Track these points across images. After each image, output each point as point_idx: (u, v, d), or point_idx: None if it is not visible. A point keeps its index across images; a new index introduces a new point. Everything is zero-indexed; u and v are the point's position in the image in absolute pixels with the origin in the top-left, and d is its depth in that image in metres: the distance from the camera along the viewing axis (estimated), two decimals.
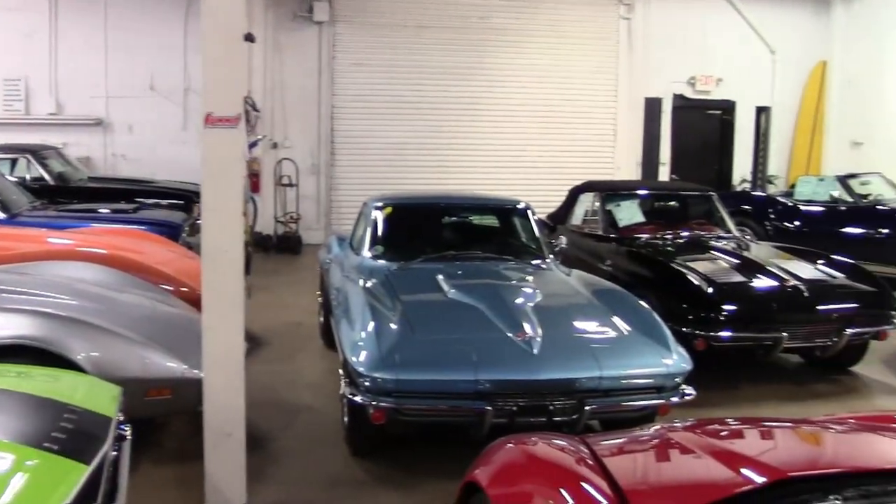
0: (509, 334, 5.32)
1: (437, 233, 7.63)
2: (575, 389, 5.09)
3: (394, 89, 15.43)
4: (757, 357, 7.39)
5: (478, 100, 15.79)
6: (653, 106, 14.28)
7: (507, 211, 7.86)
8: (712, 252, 8.30)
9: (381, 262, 6.85)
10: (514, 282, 6.53)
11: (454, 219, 7.73)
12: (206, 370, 4.61)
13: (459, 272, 6.56)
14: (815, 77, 17.48)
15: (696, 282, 7.21)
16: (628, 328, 5.62)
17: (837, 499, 2.51)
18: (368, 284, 6.16)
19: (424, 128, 15.56)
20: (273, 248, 14.38)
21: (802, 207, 12.30)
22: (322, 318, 8.26)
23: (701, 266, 7.68)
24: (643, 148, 14.63)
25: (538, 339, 5.25)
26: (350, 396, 5.07)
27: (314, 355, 8.15)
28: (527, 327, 5.38)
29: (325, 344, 8.22)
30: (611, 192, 9.58)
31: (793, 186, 13.37)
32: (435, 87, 15.59)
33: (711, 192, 9.73)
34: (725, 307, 6.95)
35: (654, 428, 3.51)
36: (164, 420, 6.00)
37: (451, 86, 15.63)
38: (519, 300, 5.92)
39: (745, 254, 8.28)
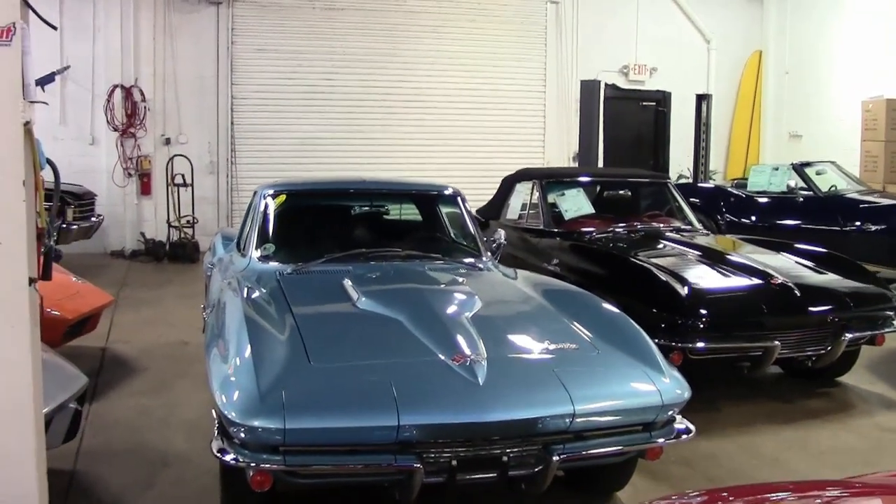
0: (442, 357, 3.89)
1: (344, 227, 6.16)
2: (538, 432, 3.69)
3: (302, 78, 13.98)
4: (740, 371, 6.03)
5: (395, 89, 14.46)
6: (591, 90, 12.94)
7: (432, 198, 6.46)
8: (676, 246, 7.02)
9: (272, 264, 5.37)
10: (444, 286, 5.14)
11: (366, 209, 6.20)
12: None
13: (373, 276, 5.14)
14: (751, 67, 16.88)
15: (667, 281, 5.90)
16: (599, 343, 4.24)
17: None
18: (253, 294, 4.67)
19: (337, 121, 14.15)
20: (166, 256, 12.71)
21: (759, 199, 11.14)
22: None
23: (668, 263, 6.43)
24: (580, 137, 13.33)
25: (482, 362, 3.82)
26: (219, 455, 3.57)
27: (197, 383, 6.58)
28: (466, 347, 3.95)
29: None
30: (552, 179, 8.21)
31: (739, 179, 12.28)
32: (348, 75, 14.21)
33: (667, 180, 8.49)
34: (704, 311, 5.64)
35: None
36: None
37: (365, 74, 14.29)
38: (453, 310, 4.50)
39: (714, 247, 7.03)
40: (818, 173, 11.01)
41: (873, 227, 9.74)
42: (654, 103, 16.01)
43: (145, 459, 4.99)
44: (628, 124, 15.73)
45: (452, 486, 3.64)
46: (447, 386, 3.70)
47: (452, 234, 6.16)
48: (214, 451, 3.61)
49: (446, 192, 6.23)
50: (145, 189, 13.25)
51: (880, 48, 13.92)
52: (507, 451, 3.68)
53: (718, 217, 11.15)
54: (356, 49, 14.20)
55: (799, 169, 10.90)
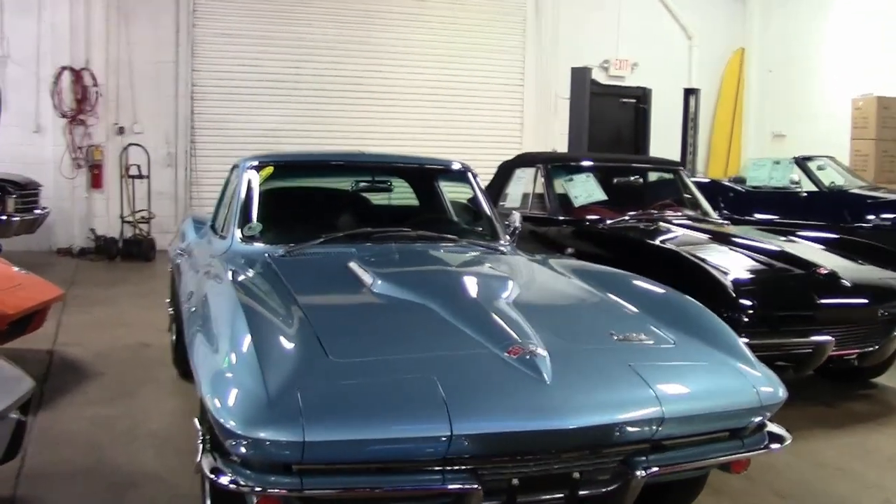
0: (493, 349, 3.06)
1: (341, 205, 5.27)
2: (617, 441, 2.88)
3: (267, 66, 13.11)
4: (783, 372, 5.26)
5: (366, 79, 13.66)
6: (581, 78, 12.17)
7: (441, 174, 5.62)
8: (700, 235, 6.30)
9: (259, 245, 4.48)
10: (473, 269, 4.30)
11: (366, 183, 5.26)
12: None
13: (385, 258, 4.28)
14: (733, 65, 16.43)
15: (707, 269, 5.17)
16: (671, 332, 3.44)
17: None
18: (242, 279, 3.81)
19: (303, 112, 13.29)
20: (119, 255, 11.66)
21: (759, 194, 10.48)
22: (174, 337, 5.88)
23: (700, 251, 5.68)
24: (570, 127, 12.56)
25: (544, 355, 2.99)
26: (213, 476, 2.72)
27: (164, 389, 5.73)
28: (520, 337, 3.12)
29: (179, 373, 5.87)
30: (559, 164, 7.42)
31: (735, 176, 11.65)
32: (316, 64, 13.39)
33: (680, 167, 7.76)
34: (749, 302, 4.92)
35: None
36: None
37: (335, 63, 13.48)
38: (492, 295, 3.63)
39: (743, 236, 6.30)
40: (819, 168, 10.42)
41: (886, 222, 9.13)
42: (634, 100, 15.41)
43: (106, 481, 4.08)
44: (608, 120, 15.00)
45: None
46: (507, 385, 2.86)
47: (466, 215, 5.33)
48: (206, 470, 2.75)
49: (457, 169, 5.39)
50: (96, 182, 12.21)
51: (869, 46, 13.57)
52: (578, 465, 2.88)
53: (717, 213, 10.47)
54: (326, 36, 13.40)
55: (801, 163, 10.28)
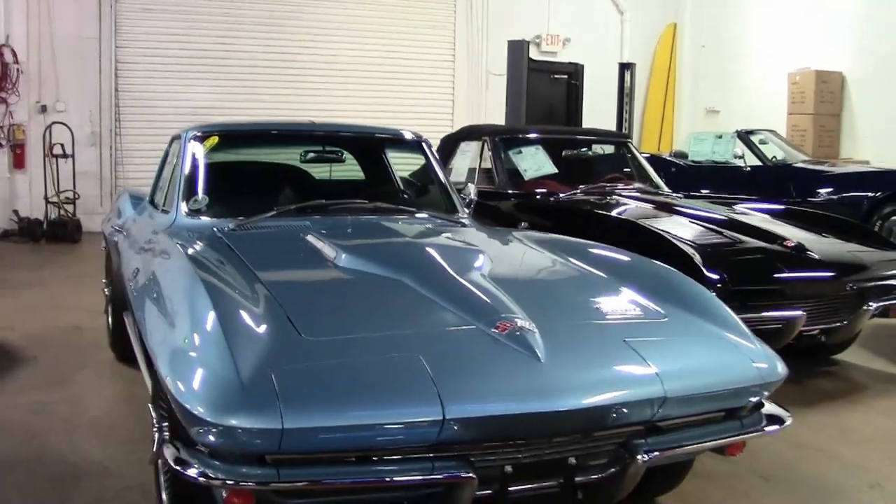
0: (480, 326, 2.86)
1: (290, 176, 5.04)
2: (616, 423, 2.72)
3: (194, 42, 12.68)
4: None
5: (296, 56, 13.35)
6: (518, 51, 11.98)
7: (394, 144, 5.42)
8: (655, 208, 6.18)
9: (206, 219, 4.23)
10: (441, 241, 4.11)
11: (315, 154, 4.96)
12: None
13: (344, 231, 4.07)
14: (665, 40, 16.38)
15: (671, 241, 5.04)
16: (662, 306, 3.27)
17: None
18: (192, 252, 3.56)
19: (233, 89, 12.88)
20: (44, 237, 11.18)
21: (702, 169, 10.43)
22: (111, 319, 5.58)
23: (661, 224, 5.55)
24: (508, 103, 12.37)
25: (534, 331, 2.81)
26: (177, 467, 2.48)
27: (102, 374, 5.45)
28: (505, 312, 2.93)
29: (117, 356, 5.60)
30: (506, 136, 7.25)
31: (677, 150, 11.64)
32: (245, 40, 13.00)
33: (628, 139, 7.66)
34: (717, 276, 4.76)
35: None
36: None
37: (264, 40, 13.11)
38: (467, 268, 3.42)
39: (701, 209, 6.16)
40: (761, 142, 10.42)
41: (837, 196, 9.17)
42: (566, 76, 15.30)
43: (48, 472, 3.82)
44: (540, 97, 14.75)
45: (503, 502, 2.67)
46: (499, 364, 2.67)
47: (422, 187, 5.13)
48: (170, 461, 2.53)
49: (409, 137, 5.18)
50: (18, 162, 11.72)
51: (804, 21, 13.52)
52: (574, 449, 2.72)
53: None
54: (255, 11, 13.03)
55: (744, 137, 10.28)
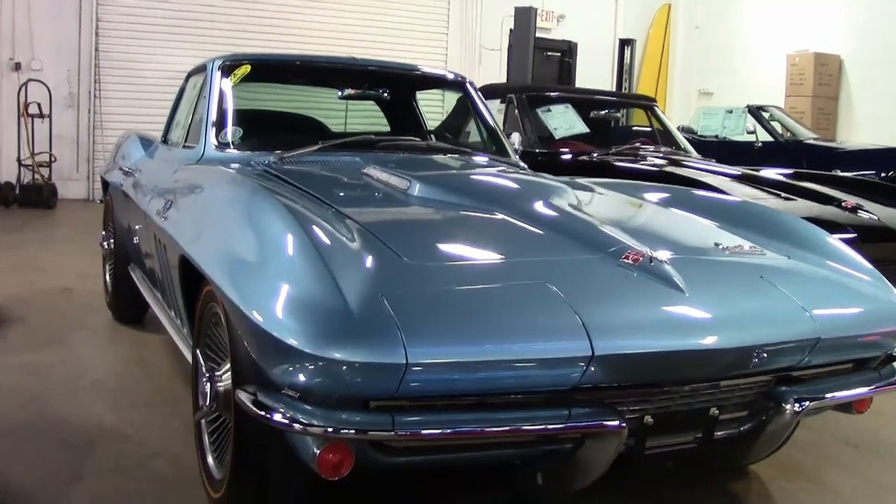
0: (605, 256, 2.39)
1: (332, 112, 4.50)
2: (767, 368, 2.26)
3: (178, 3, 11.99)
4: None
5: (284, 23, 12.71)
6: (525, 19, 11.47)
7: (444, 84, 4.94)
8: (699, 169, 5.79)
9: (238, 153, 3.69)
10: (519, 176, 3.60)
11: (357, 91, 4.37)
12: None
13: (404, 165, 3.55)
14: (659, 21, 16.05)
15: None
16: (782, 247, 2.82)
17: None
18: (248, 181, 2.98)
19: (217, 54, 12.03)
20: (16, 202, 10.45)
21: (712, 145, 10.04)
22: (111, 278, 5.04)
23: (716, 182, 5.14)
24: (512, 72, 11.92)
25: (667, 262, 2.35)
26: (262, 413, 1.96)
27: (100, 335, 4.92)
28: (630, 242, 2.46)
29: (115, 317, 5.09)
30: (533, 93, 6.78)
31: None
32: (231, 4, 12.36)
33: (654, 102, 7.24)
34: None
35: None
36: None
37: (251, 3, 12.48)
38: (564, 202, 2.95)
39: (742, 173, 5.80)
40: (771, 119, 10.07)
41: (851, 173, 8.82)
42: (559, 54, 14.91)
43: (57, 438, 3.29)
44: (532, 75, 14.58)
45: (639, 461, 2.21)
46: (639, 295, 2.22)
47: (475, 129, 4.62)
48: (248, 404, 2.01)
49: (459, 81, 4.65)
50: None
51: (802, 3, 13.28)
52: (724, 398, 2.27)
53: None
54: None
55: (755, 112, 9.92)
